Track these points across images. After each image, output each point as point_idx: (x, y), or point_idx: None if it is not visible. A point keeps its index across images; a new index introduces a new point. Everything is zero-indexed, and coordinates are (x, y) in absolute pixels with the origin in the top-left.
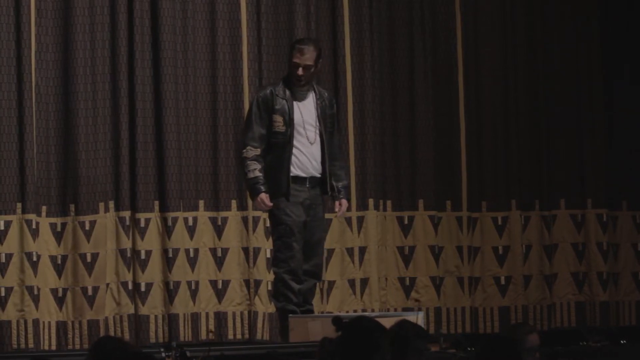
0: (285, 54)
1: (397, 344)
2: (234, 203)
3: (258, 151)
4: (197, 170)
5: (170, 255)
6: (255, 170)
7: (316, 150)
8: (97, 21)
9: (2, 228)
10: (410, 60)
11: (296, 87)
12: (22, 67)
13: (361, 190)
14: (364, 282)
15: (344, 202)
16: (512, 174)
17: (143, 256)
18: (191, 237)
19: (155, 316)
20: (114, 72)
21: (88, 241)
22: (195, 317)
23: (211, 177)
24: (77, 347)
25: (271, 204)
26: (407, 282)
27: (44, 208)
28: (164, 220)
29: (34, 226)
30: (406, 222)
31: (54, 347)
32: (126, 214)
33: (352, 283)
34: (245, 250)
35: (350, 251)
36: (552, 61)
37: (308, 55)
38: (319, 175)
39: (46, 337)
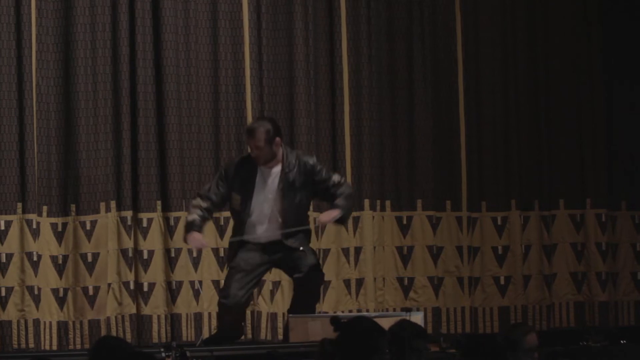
0: (285, 54)
1: (397, 344)
2: None
3: (205, 204)
4: (200, 170)
5: (173, 255)
6: (194, 214)
7: (273, 220)
8: (98, 21)
9: (3, 228)
10: (409, 60)
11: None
12: (23, 67)
13: (357, 191)
14: (360, 282)
15: (333, 211)
16: (512, 174)
17: (145, 256)
18: None
19: (158, 316)
20: (115, 72)
21: (89, 241)
22: (198, 317)
23: (213, 177)
24: (78, 347)
25: (205, 244)
26: (406, 282)
27: (44, 208)
28: (166, 220)
29: (34, 226)
30: (405, 222)
31: (54, 347)
32: (128, 213)
33: (347, 283)
34: None
35: (345, 251)
36: (552, 61)
37: (257, 137)
38: (277, 239)
39: (47, 337)
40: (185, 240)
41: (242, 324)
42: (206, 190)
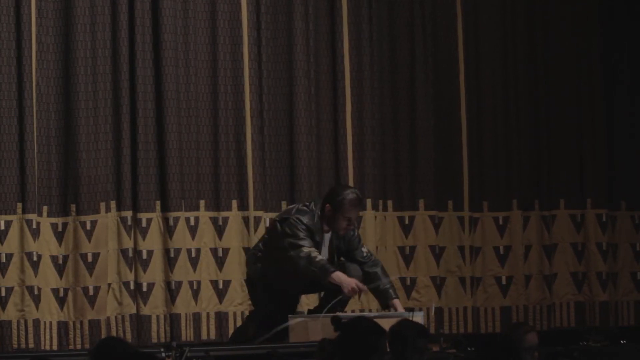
0: (285, 54)
1: (397, 344)
2: (234, 203)
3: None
4: (198, 170)
5: (172, 255)
6: (319, 255)
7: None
8: (98, 21)
9: (3, 228)
10: (410, 60)
11: (328, 231)
12: (23, 67)
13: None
14: (363, 282)
15: (396, 301)
16: (513, 173)
17: (145, 256)
18: (193, 237)
19: (157, 316)
20: (115, 72)
21: (89, 241)
22: (196, 317)
23: (212, 177)
24: (78, 347)
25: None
26: (408, 282)
27: (44, 208)
28: (166, 220)
29: (34, 226)
30: (407, 222)
31: (54, 347)
32: (128, 213)
33: None
34: (246, 250)
35: None
36: (552, 61)
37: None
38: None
39: (47, 337)
40: (334, 281)
41: None
42: (309, 242)
